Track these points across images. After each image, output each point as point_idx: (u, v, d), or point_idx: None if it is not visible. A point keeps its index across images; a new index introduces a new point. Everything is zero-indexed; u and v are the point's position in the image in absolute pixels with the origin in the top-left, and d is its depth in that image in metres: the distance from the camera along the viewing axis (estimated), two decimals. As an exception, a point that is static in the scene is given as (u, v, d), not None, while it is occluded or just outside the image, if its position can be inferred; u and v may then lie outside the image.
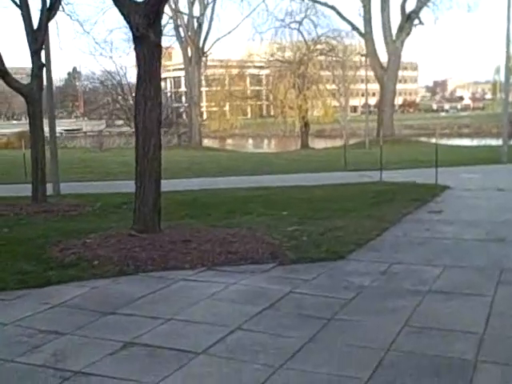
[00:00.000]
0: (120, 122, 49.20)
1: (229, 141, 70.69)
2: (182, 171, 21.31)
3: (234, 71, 48.81)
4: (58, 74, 59.92)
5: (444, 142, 45.39)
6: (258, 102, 56.17)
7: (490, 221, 9.12)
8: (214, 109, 53.43)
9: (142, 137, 7.29)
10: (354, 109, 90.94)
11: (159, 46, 7.24)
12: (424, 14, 42.07)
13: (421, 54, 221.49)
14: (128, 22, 7.10)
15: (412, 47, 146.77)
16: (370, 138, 36.91)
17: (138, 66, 7.27)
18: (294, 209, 10.58)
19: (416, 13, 40.48)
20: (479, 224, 8.82)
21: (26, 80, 13.33)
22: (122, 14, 7.12)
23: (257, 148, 57.52)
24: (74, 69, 63.30)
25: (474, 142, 53.69)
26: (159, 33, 7.17)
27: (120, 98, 47.15)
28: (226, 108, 51.32)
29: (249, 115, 64.01)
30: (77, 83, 64.11)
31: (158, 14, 7.05)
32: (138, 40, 7.09)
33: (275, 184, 15.17)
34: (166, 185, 16.49)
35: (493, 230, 8.27)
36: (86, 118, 68.35)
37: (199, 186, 15.43)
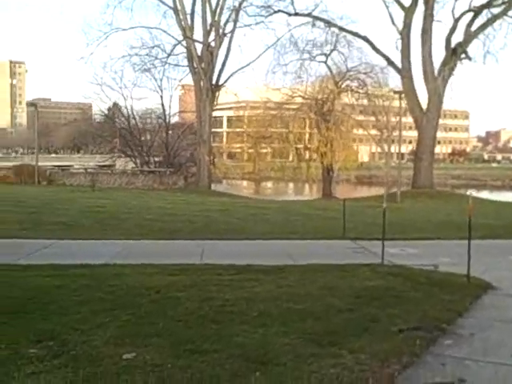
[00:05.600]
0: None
1: (268, 184, 65.45)
2: (134, 226, 15.93)
3: (257, 111, 43.85)
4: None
5: (495, 196, 39.12)
6: (285, 145, 51.14)
7: None
8: (250, 150, 49.07)
9: None
10: (402, 156, 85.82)
11: None
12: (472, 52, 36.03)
13: (473, 103, 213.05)
14: None
15: (463, 95, 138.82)
16: (402, 190, 31.12)
17: None
18: (174, 337, 5.17)
19: (462, 46, 34.72)
20: None
21: None
22: None
23: (297, 194, 52.74)
24: (115, 104, 59.63)
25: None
26: None
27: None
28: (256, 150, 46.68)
29: (290, 158, 59.71)
30: (116, 119, 61.03)
31: None
32: None
33: (226, 260, 9.70)
34: (75, 249, 11.46)
35: None
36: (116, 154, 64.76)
37: (111, 257, 10.20)
